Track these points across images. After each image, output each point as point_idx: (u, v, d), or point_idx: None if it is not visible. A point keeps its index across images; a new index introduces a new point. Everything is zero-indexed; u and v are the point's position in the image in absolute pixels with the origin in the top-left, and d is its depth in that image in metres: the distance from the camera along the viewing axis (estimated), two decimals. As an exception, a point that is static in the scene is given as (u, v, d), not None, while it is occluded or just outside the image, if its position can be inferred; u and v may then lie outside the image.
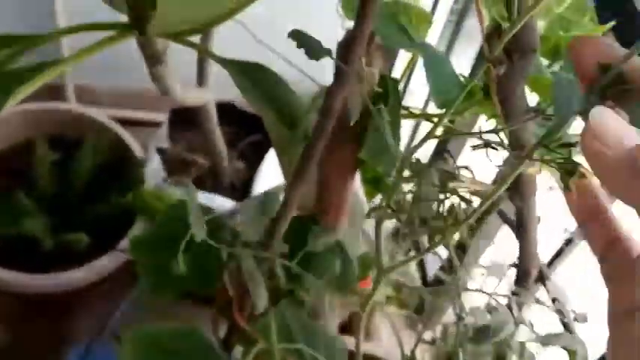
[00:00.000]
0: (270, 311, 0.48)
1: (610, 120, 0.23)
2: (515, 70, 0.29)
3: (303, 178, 0.45)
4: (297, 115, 0.56)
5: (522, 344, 0.50)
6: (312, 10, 1.10)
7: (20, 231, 1.09)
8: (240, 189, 1.18)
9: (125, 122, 1.33)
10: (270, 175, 1.18)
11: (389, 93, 0.44)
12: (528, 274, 0.58)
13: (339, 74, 0.42)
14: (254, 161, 1.19)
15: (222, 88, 0.82)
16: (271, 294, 0.52)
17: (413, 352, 0.63)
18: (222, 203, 1.13)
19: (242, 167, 1.21)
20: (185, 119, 1.18)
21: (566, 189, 0.27)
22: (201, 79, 0.88)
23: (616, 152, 0.23)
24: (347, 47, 0.41)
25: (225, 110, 1.16)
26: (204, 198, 1.11)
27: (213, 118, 1.00)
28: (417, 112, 0.52)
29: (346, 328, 0.78)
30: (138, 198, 1.12)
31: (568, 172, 0.26)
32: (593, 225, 0.28)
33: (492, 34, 0.30)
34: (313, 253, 0.51)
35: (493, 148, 0.32)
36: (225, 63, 0.58)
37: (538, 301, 0.52)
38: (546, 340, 0.49)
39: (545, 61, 0.40)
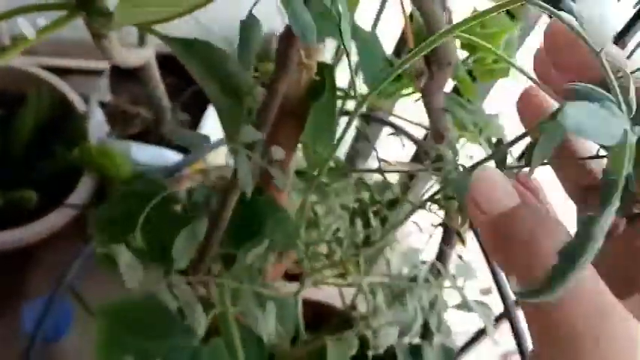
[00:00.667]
0: (224, 276, 0.53)
1: (488, 183, 0.25)
2: (435, 80, 0.34)
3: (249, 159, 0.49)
4: (242, 89, 0.59)
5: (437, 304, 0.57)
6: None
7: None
8: (185, 140, 1.20)
9: (65, 71, 1.31)
10: (213, 125, 1.20)
11: (326, 79, 0.48)
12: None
13: (280, 63, 0.46)
14: (197, 112, 1.21)
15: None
16: (225, 259, 0.57)
17: (353, 300, 0.70)
18: (167, 156, 1.15)
19: (185, 119, 1.22)
20: (126, 70, 1.18)
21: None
22: (141, 39, 0.88)
23: (486, 217, 0.25)
24: (287, 39, 0.45)
25: (166, 61, 1.16)
26: (150, 152, 1.13)
27: (156, 75, 1.01)
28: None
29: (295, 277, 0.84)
30: (83, 153, 1.13)
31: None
32: None
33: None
34: (260, 218, 0.56)
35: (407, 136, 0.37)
36: (169, 41, 0.60)
37: (460, 258, 0.59)
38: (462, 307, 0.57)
39: (464, 54, 0.45)
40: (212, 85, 0.58)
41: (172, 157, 1.14)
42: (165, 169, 1.13)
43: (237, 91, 0.58)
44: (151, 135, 1.19)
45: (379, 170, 0.42)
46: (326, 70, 0.47)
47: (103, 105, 1.20)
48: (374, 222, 0.56)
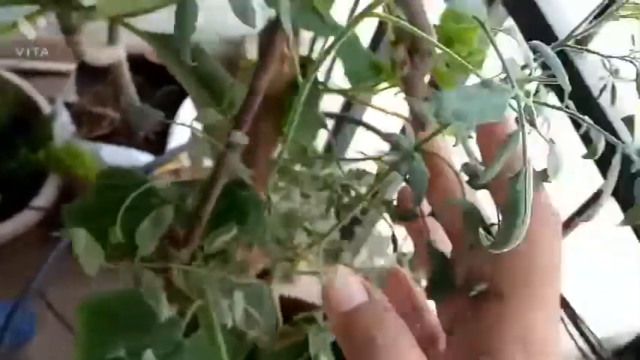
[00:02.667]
0: (203, 269, 0.53)
1: (339, 283, 0.27)
2: (416, 69, 0.35)
3: (229, 155, 0.50)
4: (222, 85, 0.59)
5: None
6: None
7: None
8: (156, 141, 1.19)
9: (31, 73, 1.29)
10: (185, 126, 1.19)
11: (307, 72, 0.49)
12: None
13: (263, 58, 0.46)
14: (168, 112, 1.20)
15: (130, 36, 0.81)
16: (204, 253, 0.57)
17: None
18: (137, 157, 1.14)
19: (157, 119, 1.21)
20: (94, 70, 1.17)
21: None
22: (112, 38, 0.88)
23: (333, 315, 0.27)
24: (269, 34, 0.46)
25: (136, 61, 1.15)
26: (119, 153, 1.12)
27: (126, 75, 1.00)
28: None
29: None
30: (49, 154, 1.11)
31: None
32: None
33: (397, 41, 0.35)
34: (243, 212, 0.57)
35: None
36: (146, 36, 0.60)
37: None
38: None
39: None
40: (191, 80, 0.59)
41: (143, 158, 1.13)
42: (136, 170, 1.12)
43: (217, 86, 0.59)
44: (121, 136, 1.18)
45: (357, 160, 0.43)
46: (307, 64, 0.48)
47: (69, 106, 1.19)
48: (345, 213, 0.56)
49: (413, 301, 0.32)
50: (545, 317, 0.25)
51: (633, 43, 0.27)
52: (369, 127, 0.85)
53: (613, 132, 0.26)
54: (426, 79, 0.42)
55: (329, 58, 0.54)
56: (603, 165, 0.49)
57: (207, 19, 0.72)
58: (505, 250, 0.22)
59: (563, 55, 0.64)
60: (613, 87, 0.29)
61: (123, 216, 0.55)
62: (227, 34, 1.37)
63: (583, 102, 0.58)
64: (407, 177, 0.31)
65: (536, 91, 0.26)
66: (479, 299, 0.26)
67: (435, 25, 0.49)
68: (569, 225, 0.68)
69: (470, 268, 0.28)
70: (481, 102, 0.20)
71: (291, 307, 0.70)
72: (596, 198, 0.65)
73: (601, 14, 0.29)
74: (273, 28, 0.45)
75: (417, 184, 0.31)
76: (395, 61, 0.35)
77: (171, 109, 1.19)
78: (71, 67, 1.26)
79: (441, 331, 0.30)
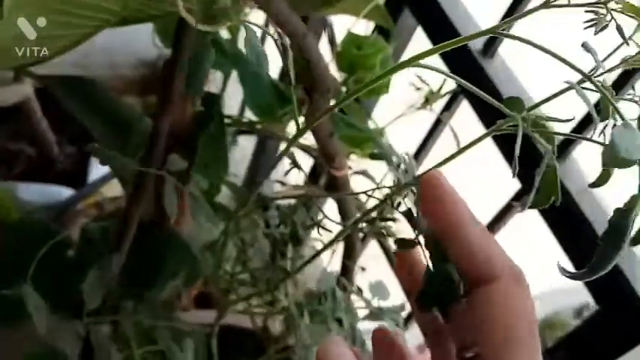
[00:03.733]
0: (126, 317, 0.52)
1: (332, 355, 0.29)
2: (316, 106, 0.35)
3: (142, 194, 0.49)
4: (126, 124, 0.58)
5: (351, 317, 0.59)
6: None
7: None
8: (75, 174, 1.16)
9: None
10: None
11: (211, 108, 0.48)
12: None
13: (162, 99, 0.45)
14: (86, 144, 1.16)
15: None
16: (127, 297, 0.56)
17: (265, 321, 0.70)
18: (57, 193, 1.10)
19: (74, 152, 1.18)
20: (4, 110, 1.12)
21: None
22: (17, 77, 0.84)
23: None
24: (167, 74, 0.45)
25: (47, 94, 1.11)
26: (38, 191, 1.08)
27: (37, 111, 0.97)
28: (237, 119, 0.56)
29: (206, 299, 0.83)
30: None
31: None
32: None
33: (296, 82, 0.35)
34: (161, 255, 0.55)
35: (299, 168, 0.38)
36: (45, 80, 0.58)
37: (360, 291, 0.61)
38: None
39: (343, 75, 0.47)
40: (96, 122, 0.57)
41: (63, 192, 1.09)
42: (57, 205, 1.08)
43: (122, 126, 0.57)
44: (37, 172, 1.14)
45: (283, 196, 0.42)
46: (211, 100, 0.47)
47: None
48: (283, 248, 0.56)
49: None
50: None
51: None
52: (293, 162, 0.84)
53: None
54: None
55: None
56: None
57: (122, 40, 0.70)
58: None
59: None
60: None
61: (36, 270, 0.53)
62: (142, 54, 1.34)
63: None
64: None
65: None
66: None
67: (337, 52, 0.49)
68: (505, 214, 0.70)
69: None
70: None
71: (221, 333, 0.69)
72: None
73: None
74: (170, 68, 0.44)
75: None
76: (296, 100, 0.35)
77: (88, 139, 1.15)
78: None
79: None
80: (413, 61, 0.28)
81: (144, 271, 0.55)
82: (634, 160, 0.25)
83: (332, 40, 0.68)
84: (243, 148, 1.05)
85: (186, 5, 0.32)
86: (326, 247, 0.45)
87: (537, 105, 0.32)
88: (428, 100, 0.45)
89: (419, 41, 0.73)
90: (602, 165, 0.25)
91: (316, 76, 0.34)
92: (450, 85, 0.55)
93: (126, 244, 0.53)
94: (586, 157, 0.60)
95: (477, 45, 0.67)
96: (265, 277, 0.62)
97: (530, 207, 0.28)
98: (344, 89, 0.48)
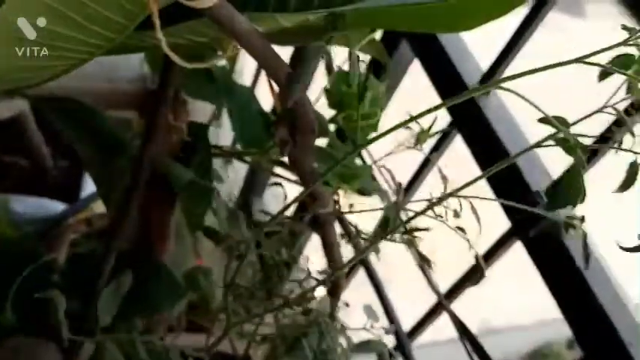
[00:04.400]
0: (109, 346, 0.51)
1: None
2: (299, 147, 0.35)
3: (125, 221, 0.48)
4: (115, 149, 0.57)
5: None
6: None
7: None
8: (68, 188, 1.15)
9: None
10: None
11: (199, 139, 0.48)
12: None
13: (147, 130, 0.45)
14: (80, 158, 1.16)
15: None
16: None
17: (247, 349, 0.69)
18: (50, 206, 1.10)
19: (67, 165, 1.17)
20: (0, 121, 1.12)
21: None
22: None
23: None
24: (153, 104, 0.44)
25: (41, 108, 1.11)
26: (31, 204, 1.08)
27: (31, 123, 0.97)
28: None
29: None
30: (-46, 209, 1.05)
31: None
32: None
33: (279, 122, 0.35)
34: (144, 283, 0.55)
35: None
36: (36, 101, 0.58)
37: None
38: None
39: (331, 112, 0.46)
40: (84, 145, 0.57)
41: (55, 207, 1.09)
42: (50, 219, 1.08)
43: (110, 151, 0.57)
44: (31, 186, 1.13)
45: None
46: (198, 131, 0.47)
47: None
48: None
49: None
50: None
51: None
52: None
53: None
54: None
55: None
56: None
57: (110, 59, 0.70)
58: None
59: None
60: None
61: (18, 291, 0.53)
62: (140, 69, 1.35)
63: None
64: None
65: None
66: None
67: (325, 89, 0.49)
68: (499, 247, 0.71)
69: None
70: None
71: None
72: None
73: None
74: (157, 97, 0.44)
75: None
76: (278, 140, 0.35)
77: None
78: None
79: None
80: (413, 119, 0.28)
81: (126, 300, 0.54)
82: None
83: (329, 68, 0.68)
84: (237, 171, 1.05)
85: (172, 40, 0.32)
86: (314, 288, 0.44)
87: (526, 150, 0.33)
88: (419, 140, 0.45)
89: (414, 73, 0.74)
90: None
91: (299, 116, 0.33)
92: (442, 123, 0.55)
93: (110, 261, 0.53)
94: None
95: (473, 80, 0.67)
96: (251, 304, 0.61)
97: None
98: (332, 127, 0.48)
